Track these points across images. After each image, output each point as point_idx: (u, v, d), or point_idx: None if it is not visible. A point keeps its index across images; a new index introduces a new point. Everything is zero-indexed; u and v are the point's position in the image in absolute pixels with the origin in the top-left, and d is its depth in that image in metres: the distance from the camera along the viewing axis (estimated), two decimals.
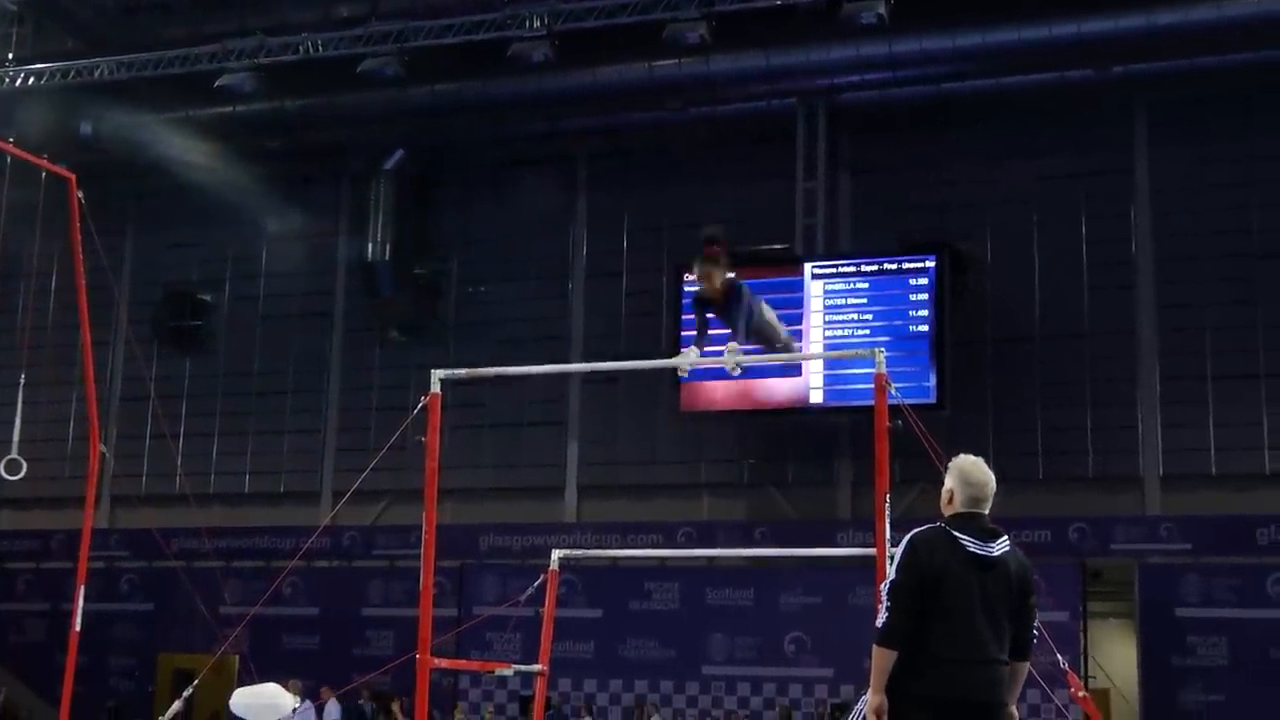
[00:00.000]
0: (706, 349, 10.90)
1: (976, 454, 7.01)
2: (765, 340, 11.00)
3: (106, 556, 26.68)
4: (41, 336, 26.15)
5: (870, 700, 6.46)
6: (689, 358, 10.93)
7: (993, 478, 6.82)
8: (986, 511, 6.77)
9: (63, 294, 27.40)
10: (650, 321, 24.93)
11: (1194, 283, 23.04)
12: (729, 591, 23.73)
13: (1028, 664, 6.74)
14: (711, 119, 24.77)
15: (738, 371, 11.00)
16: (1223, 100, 23.23)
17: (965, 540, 6.56)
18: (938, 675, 6.41)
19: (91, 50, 26.16)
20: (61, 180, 15.35)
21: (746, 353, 10.95)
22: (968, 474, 6.82)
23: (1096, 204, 23.73)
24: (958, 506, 6.72)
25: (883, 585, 6.55)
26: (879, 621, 6.49)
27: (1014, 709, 6.72)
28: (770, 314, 11.05)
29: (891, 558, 6.73)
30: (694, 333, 11.07)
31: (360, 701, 22.91)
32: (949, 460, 7.07)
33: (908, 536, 6.61)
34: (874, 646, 6.47)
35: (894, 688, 6.41)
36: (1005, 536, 6.76)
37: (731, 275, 10.73)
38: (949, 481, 6.84)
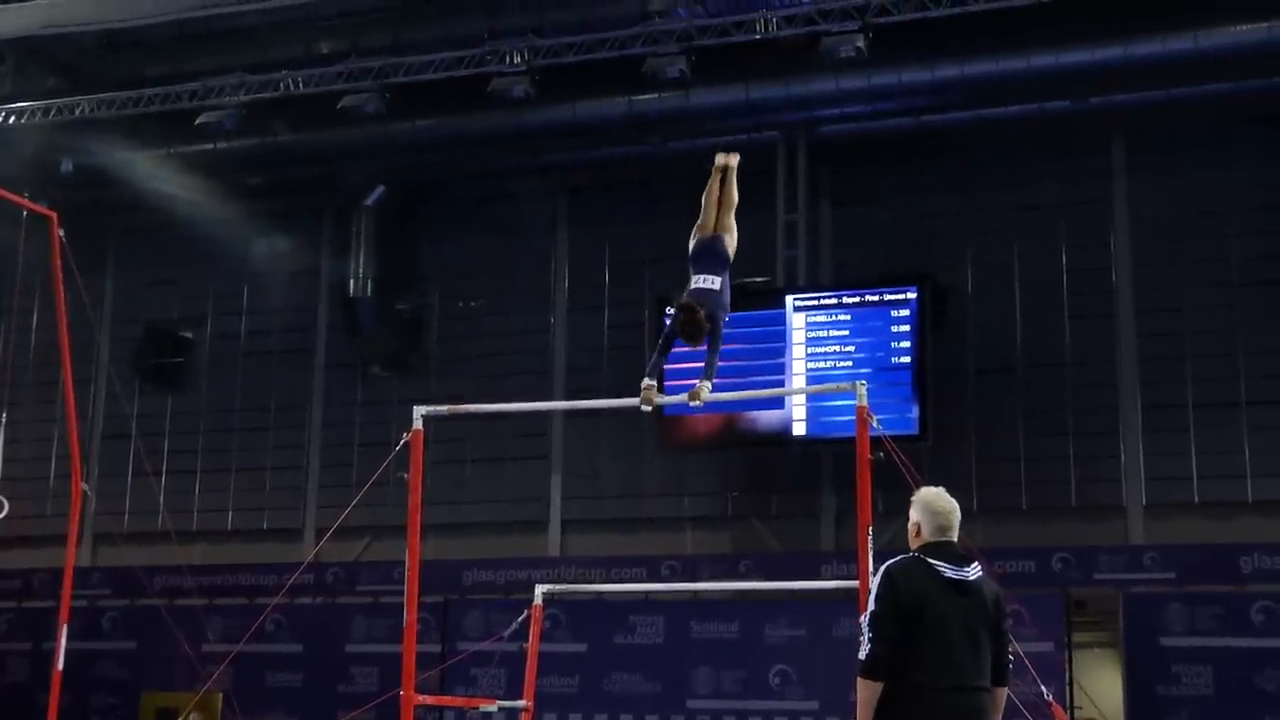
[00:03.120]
0: (669, 383, 11.18)
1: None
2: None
3: (89, 595, 26.50)
4: (22, 374, 26.10)
5: None
6: (650, 396, 11.23)
7: (956, 506, 6.86)
8: (955, 539, 6.80)
9: (43, 331, 27.32)
10: (633, 354, 24.88)
11: (1175, 311, 23.12)
12: (714, 625, 23.66)
13: (1005, 690, 6.75)
14: (692, 152, 24.79)
15: (698, 404, 11.42)
16: (1201, 130, 23.35)
17: (941, 566, 6.60)
18: (922, 706, 6.40)
19: (72, 88, 26.17)
20: (42, 218, 15.37)
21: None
22: (931, 504, 6.88)
23: (1077, 234, 23.82)
24: (926, 537, 6.78)
25: (862, 618, 6.55)
26: (861, 654, 6.49)
27: None
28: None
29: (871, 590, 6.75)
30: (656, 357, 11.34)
31: None
32: None
33: (883, 567, 6.65)
34: (859, 680, 6.46)
35: (877, 717, 6.40)
36: (977, 562, 6.79)
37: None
38: (914, 514, 6.89)
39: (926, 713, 6.39)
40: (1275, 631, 21.22)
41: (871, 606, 6.53)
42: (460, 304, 26.76)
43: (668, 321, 11.42)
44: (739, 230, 23.39)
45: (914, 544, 6.85)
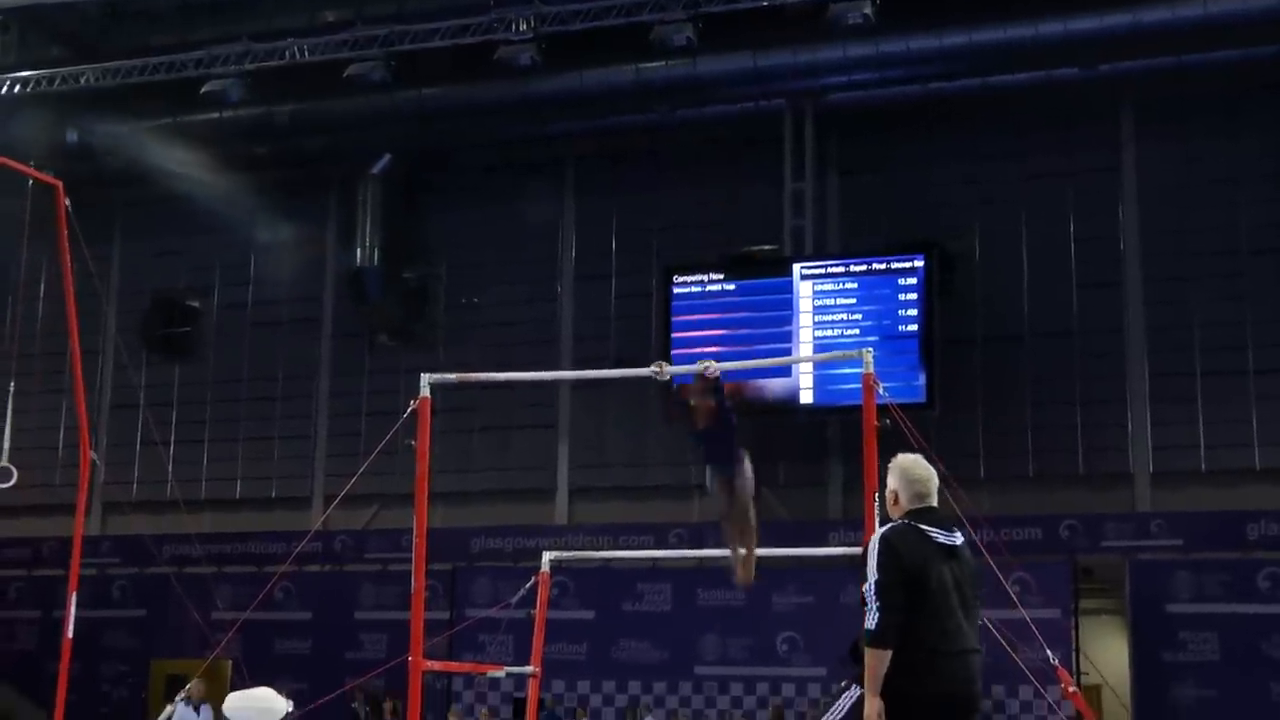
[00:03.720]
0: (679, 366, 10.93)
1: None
2: (733, 489, 10.62)
3: (98, 563, 26.63)
4: (30, 345, 26.14)
5: (868, 705, 6.39)
6: (666, 367, 10.96)
7: (934, 473, 6.80)
8: (935, 504, 6.75)
9: (51, 302, 27.33)
10: (640, 323, 24.97)
11: (1182, 280, 23.09)
12: (721, 592, 23.72)
13: None
14: (699, 121, 24.79)
15: (714, 372, 10.82)
16: (1209, 98, 23.28)
17: (933, 532, 6.56)
18: (929, 670, 6.37)
19: (77, 58, 26.13)
20: (48, 188, 15.35)
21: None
22: (909, 471, 6.80)
23: (1084, 202, 23.77)
24: (905, 505, 6.71)
25: (865, 587, 6.50)
26: (870, 623, 6.41)
27: None
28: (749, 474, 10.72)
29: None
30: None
31: (353, 704, 22.90)
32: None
33: (878, 535, 6.57)
34: (867, 650, 6.41)
35: (885, 687, 6.35)
36: (957, 528, 6.76)
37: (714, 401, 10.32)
38: (891, 482, 6.81)
39: (939, 678, 6.35)
40: None
41: (875, 575, 6.44)
42: (463, 299, 26.72)
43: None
44: (746, 198, 23.28)
45: (893, 512, 6.78)
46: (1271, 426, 22.31)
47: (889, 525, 6.64)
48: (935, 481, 6.76)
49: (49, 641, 24.22)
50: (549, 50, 23.47)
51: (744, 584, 10.79)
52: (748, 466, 10.40)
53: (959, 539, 6.62)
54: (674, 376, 10.59)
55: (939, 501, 6.78)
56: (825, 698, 22.68)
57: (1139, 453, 23.03)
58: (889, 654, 6.36)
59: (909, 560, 6.41)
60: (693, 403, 10.39)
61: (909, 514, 6.64)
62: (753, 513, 10.59)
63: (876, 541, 6.54)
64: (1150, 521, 22.60)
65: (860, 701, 6.56)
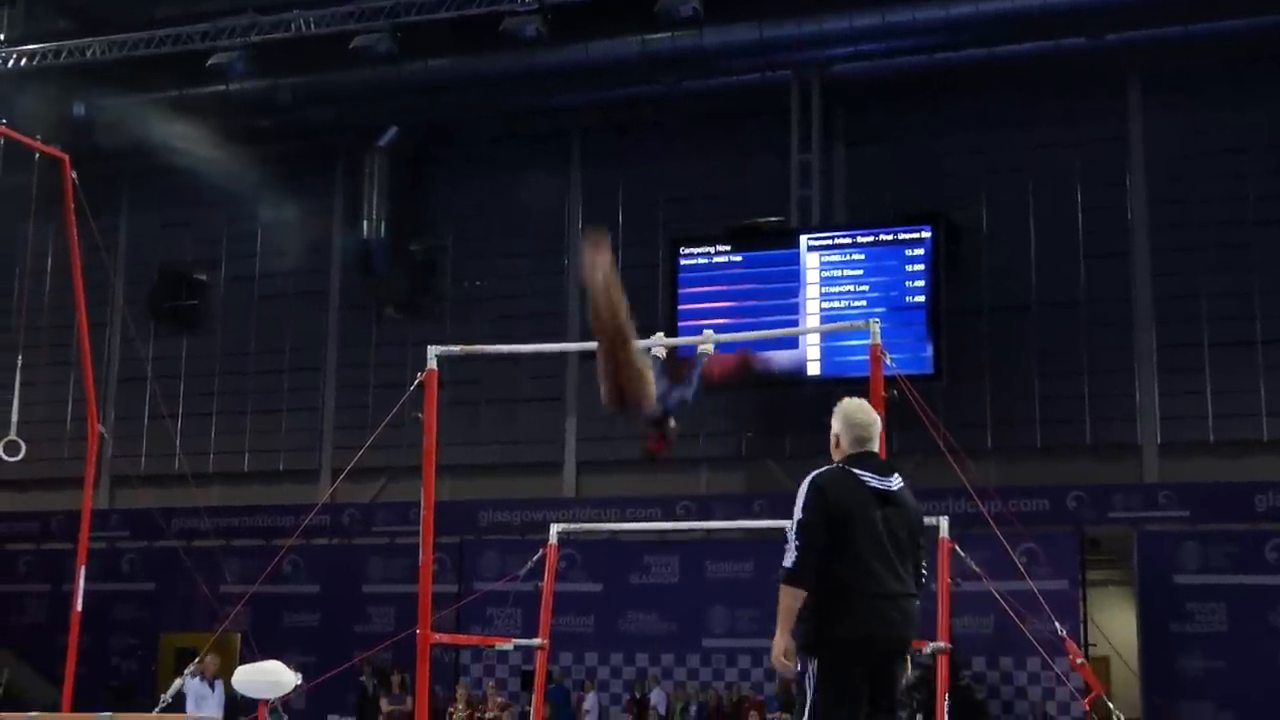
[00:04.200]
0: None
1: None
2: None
3: (107, 537, 26.71)
4: (38, 318, 26.12)
5: (776, 642, 6.42)
6: (660, 340, 10.84)
7: (877, 417, 6.86)
8: (876, 449, 6.80)
9: (58, 275, 27.32)
10: (647, 295, 24.86)
11: (1190, 250, 23.04)
12: (728, 564, 23.77)
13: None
14: (705, 92, 24.73)
15: (709, 348, 10.81)
16: (1217, 67, 23.18)
17: (866, 476, 6.60)
18: (850, 612, 6.40)
19: (83, 31, 26.10)
20: (55, 162, 15.33)
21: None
22: (851, 415, 6.85)
23: (1092, 172, 23.71)
24: (846, 449, 6.77)
25: (789, 525, 6.53)
26: (786, 561, 6.44)
27: None
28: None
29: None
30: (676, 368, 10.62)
31: (361, 678, 22.96)
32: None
33: (809, 478, 6.60)
34: (782, 586, 6.44)
35: (807, 629, 6.40)
36: (898, 473, 6.78)
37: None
38: (834, 425, 6.87)
39: (858, 621, 6.38)
40: None
41: (799, 515, 6.49)
42: (470, 272, 26.71)
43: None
44: (752, 170, 23.17)
45: (835, 454, 6.82)
46: (1279, 397, 22.29)
47: (822, 469, 6.67)
48: (877, 427, 6.84)
49: (58, 615, 24.26)
50: (554, 22, 23.42)
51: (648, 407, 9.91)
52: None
53: (896, 484, 6.65)
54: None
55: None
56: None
57: (1146, 423, 23.01)
58: (802, 593, 6.40)
59: (835, 503, 6.45)
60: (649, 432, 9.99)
61: (847, 458, 6.70)
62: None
63: (806, 483, 6.55)
64: (1158, 493, 22.60)
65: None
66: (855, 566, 6.44)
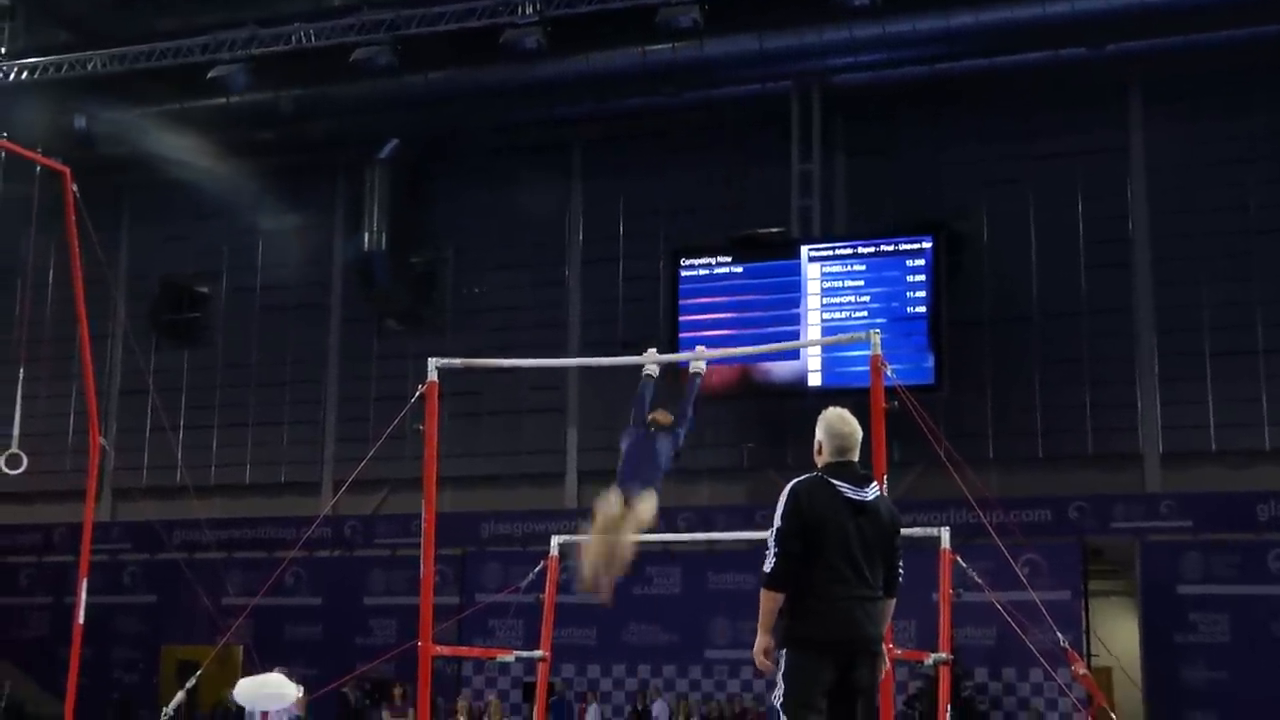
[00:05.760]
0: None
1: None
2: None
3: (108, 549, 26.69)
4: (39, 331, 26.12)
5: (758, 642, 6.94)
6: (652, 356, 11.18)
7: (858, 427, 7.31)
8: (855, 459, 7.16)
9: (60, 288, 27.36)
10: (648, 306, 24.94)
11: (1191, 260, 23.03)
12: (730, 575, 23.74)
13: (894, 600, 7.15)
14: (705, 103, 24.74)
15: (701, 366, 11.31)
16: (1217, 77, 23.18)
17: (841, 486, 7.01)
18: (819, 615, 6.87)
19: (84, 44, 26.13)
20: (56, 174, 15.34)
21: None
22: (833, 425, 7.32)
23: (1092, 183, 23.71)
24: (827, 456, 7.19)
25: (768, 533, 6.91)
26: (765, 566, 6.91)
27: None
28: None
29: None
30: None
31: (343, 690, 22.77)
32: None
33: (789, 486, 7.01)
34: (762, 590, 6.93)
35: (779, 628, 6.80)
36: (875, 483, 7.19)
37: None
38: (818, 434, 7.31)
39: (823, 620, 6.80)
40: None
41: (777, 523, 6.92)
42: (471, 284, 26.71)
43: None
44: (753, 180, 23.22)
45: (817, 461, 7.25)
46: None
47: (801, 478, 7.04)
48: (857, 437, 7.30)
49: (60, 627, 24.26)
50: (554, 34, 23.44)
51: (606, 602, 10.57)
52: (654, 502, 10.50)
53: (870, 495, 7.13)
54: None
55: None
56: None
57: (1148, 433, 23.00)
58: (780, 596, 6.92)
59: (810, 511, 6.93)
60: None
61: (825, 467, 7.13)
62: (629, 547, 10.42)
63: (785, 491, 7.03)
64: (1160, 502, 22.58)
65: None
66: (826, 572, 6.88)
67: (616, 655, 24.23)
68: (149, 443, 27.51)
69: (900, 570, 7.16)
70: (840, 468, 7.11)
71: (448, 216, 27.03)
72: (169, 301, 28.27)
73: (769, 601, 6.91)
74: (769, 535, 6.95)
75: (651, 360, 11.01)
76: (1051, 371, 23.35)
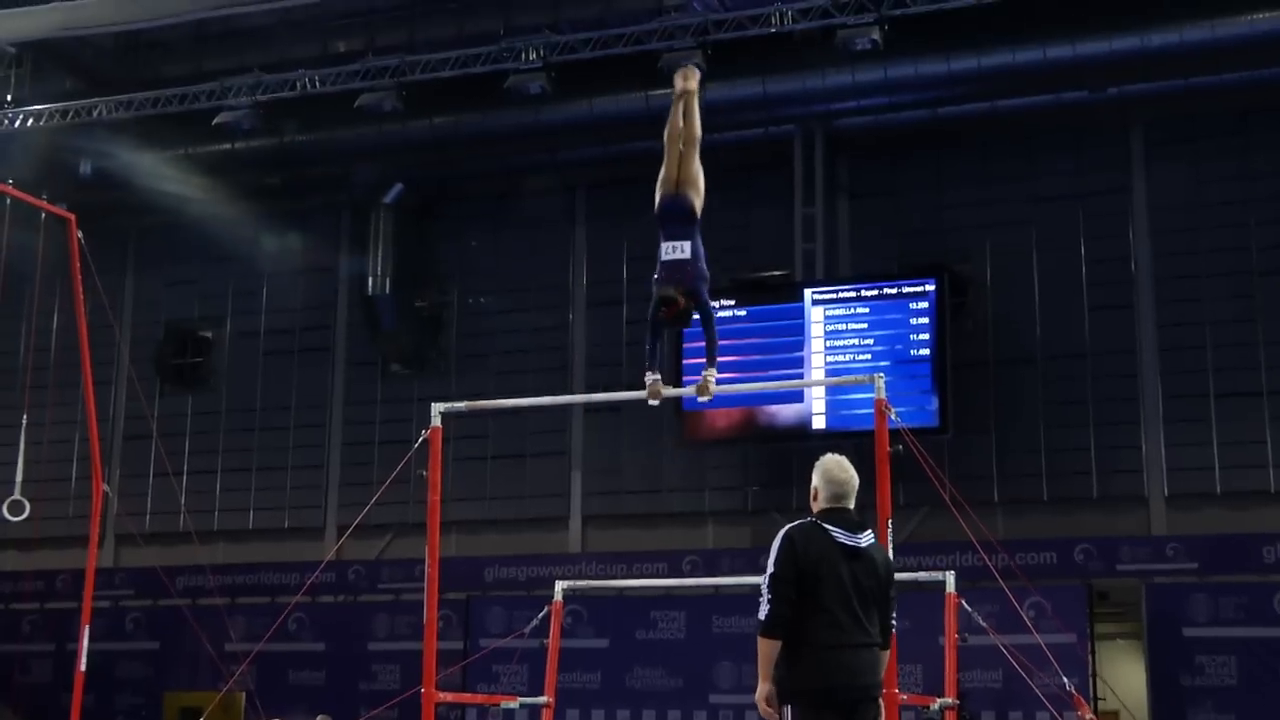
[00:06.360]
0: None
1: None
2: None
3: (111, 595, 26.63)
4: (43, 376, 26.15)
5: (759, 690, 7.03)
6: (656, 389, 11.03)
7: (854, 474, 7.36)
8: (851, 506, 7.20)
9: (64, 334, 27.39)
10: None
11: (1194, 301, 23.04)
12: (736, 619, 23.62)
13: (890, 650, 7.30)
14: (708, 147, 24.63)
15: (707, 398, 11.13)
16: (1219, 119, 23.26)
17: (835, 532, 7.05)
18: (815, 662, 6.79)
19: (90, 90, 26.25)
20: (61, 220, 15.41)
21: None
22: (830, 472, 7.38)
23: (1095, 224, 23.74)
24: (823, 503, 7.24)
25: (761, 580, 6.94)
26: (761, 614, 7.03)
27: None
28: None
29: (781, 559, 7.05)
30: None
31: None
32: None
33: (782, 531, 7.09)
34: (759, 638, 7.04)
35: (780, 678, 6.81)
36: (870, 530, 7.21)
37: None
38: (814, 480, 7.36)
39: (821, 669, 6.86)
40: None
41: (771, 569, 7.07)
42: (471, 301, 26.77)
43: (651, 309, 10.83)
44: (756, 223, 23.42)
45: (814, 507, 7.41)
46: None
47: (795, 523, 7.08)
48: (854, 485, 7.35)
49: (63, 674, 24.19)
50: (559, 78, 23.52)
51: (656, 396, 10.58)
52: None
53: (865, 541, 7.17)
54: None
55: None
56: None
57: (1153, 475, 22.94)
58: (778, 644, 7.02)
59: (804, 557, 6.97)
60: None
61: (820, 513, 7.18)
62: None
63: (780, 537, 7.00)
64: (1166, 545, 22.50)
65: None
66: (821, 618, 6.97)
67: (621, 700, 24.12)
68: (152, 488, 27.48)
69: (894, 621, 7.25)
70: (835, 513, 7.18)
71: (452, 260, 27.09)
72: (173, 346, 28.30)
73: (766, 648, 6.99)
74: (763, 581, 7.05)
75: (655, 395, 10.92)
76: (1055, 413, 23.32)
